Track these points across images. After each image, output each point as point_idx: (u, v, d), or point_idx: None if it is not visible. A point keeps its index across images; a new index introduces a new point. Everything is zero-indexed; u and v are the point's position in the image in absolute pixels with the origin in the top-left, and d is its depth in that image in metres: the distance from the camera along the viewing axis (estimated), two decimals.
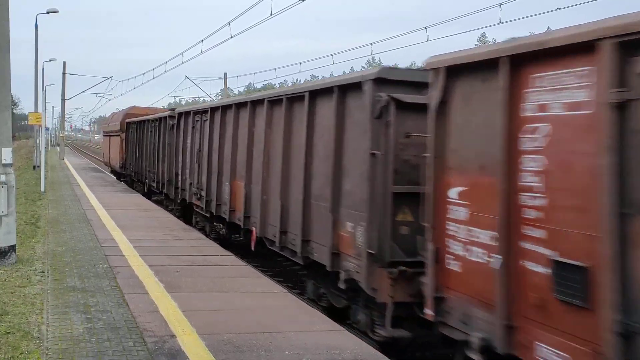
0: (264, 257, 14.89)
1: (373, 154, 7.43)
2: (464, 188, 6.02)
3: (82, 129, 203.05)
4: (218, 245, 13.40)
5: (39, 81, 37.22)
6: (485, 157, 5.70)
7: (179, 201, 18.52)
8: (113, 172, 36.70)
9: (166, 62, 56.80)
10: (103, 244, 12.41)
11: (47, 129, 49.83)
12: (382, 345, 7.51)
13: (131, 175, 29.28)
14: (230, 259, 11.68)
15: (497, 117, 5.47)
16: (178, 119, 18.62)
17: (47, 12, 34.82)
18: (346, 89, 8.32)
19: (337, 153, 8.39)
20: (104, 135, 42.60)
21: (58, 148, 60.95)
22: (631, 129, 4.28)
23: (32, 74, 35.67)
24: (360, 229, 7.65)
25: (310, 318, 7.93)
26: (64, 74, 53.02)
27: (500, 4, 20.57)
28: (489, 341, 5.51)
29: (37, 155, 37.47)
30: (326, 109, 8.84)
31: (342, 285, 8.15)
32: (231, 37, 26.31)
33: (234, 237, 14.31)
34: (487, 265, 5.59)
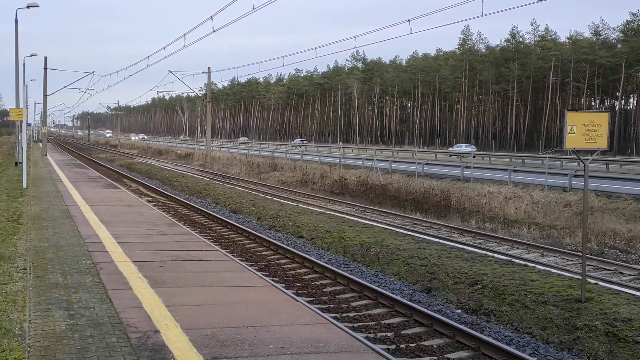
0: (249, 251, 14.88)
1: None
2: None
3: (64, 124, 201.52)
4: (203, 240, 13.37)
5: (20, 77, 36.68)
6: None
7: None
8: None
9: (148, 57, 56.31)
10: (86, 240, 12.32)
11: (29, 124, 49.29)
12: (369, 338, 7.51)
13: None
14: (215, 254, 11.65)
15: None
16: None
17: (27, 7, 34.31)
18: None
19: None
20: None
21: (40, 144, 60.29)
22: None
23: (13, 69, 35.20)
24: None
25: (295, 311, 7.92)
26: (45, 69, 52.39)
27: None
28: None
29: (19, 151, 37.05)
30: None
31: None
32: (214, 31, 26.25)
33: None
34: None
